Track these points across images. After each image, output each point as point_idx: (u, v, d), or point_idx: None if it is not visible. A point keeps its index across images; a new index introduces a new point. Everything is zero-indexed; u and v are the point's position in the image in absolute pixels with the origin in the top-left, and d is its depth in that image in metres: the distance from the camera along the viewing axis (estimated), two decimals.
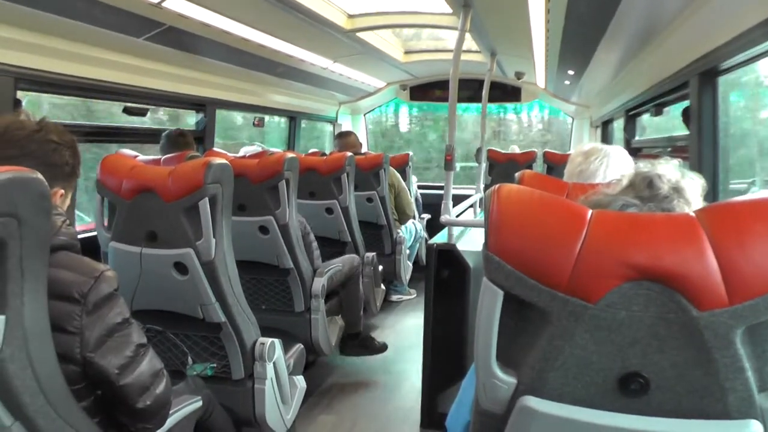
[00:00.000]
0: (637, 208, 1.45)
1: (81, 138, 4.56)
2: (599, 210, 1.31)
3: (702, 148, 3.62)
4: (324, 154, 6.68)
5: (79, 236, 2.12)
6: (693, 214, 1.22)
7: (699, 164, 3.60)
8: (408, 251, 7.51)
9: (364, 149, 8.62)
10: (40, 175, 1.67)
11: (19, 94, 3.72)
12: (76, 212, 4.62)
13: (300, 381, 3.95)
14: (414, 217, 7.89)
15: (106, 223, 3.45)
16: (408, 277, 7.60)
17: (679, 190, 1.47)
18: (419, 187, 9.22)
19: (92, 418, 2.02)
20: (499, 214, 1.29)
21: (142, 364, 2.14)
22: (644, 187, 1.48)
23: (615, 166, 2.74)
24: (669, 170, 1.51)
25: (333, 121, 9.77)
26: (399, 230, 7.29)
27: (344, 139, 7.48)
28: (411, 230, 7.78)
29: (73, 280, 1.93)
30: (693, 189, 1.50)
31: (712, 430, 1.20)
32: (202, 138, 5.81)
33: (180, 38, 4.49)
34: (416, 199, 8.65)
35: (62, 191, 2.23)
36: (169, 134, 4.88)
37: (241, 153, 5.50)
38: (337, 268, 5.00)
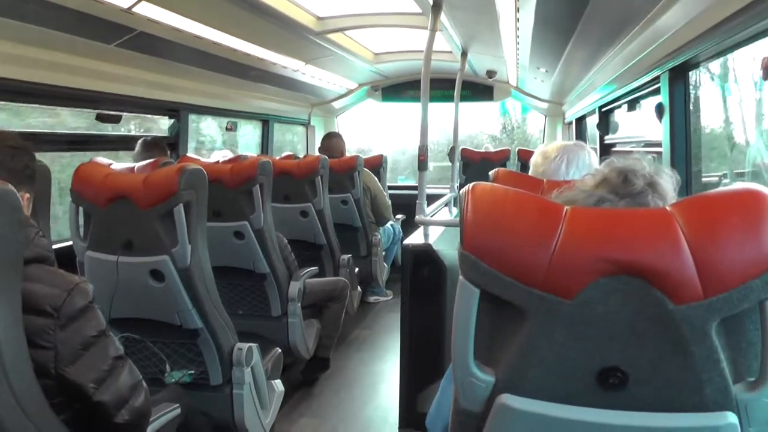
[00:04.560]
0: (612, 203, 1.45)
1: (53, 147, 4.56)
2: (574, 206, 1.32)
3: (674, 143, 3.64)
4: (297, 158, 6.67)
5: (55, 246, 2.10)
6: (668, 209, 1.23)
7: (672, 159, 3.62)
8: (384, 253, 7.52)
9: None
10: (11, 187, 1.66)
11: None
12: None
13: (278, 385, 3.96)
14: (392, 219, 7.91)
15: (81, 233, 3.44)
16: (385, 278, 7.62)
17: (654, 185, 1.48)
18: (390, 188, 9.21)
19: (72, 431, 2.00)
20: (474, 212, 1.29)
21: (120, 377, 2.11)
22: (619, 183, 1.48)
23: (576, 162, 2.76)
24: (643, 165, 1.51)
25: (306, 124, 9.74)
26: (377, 232, 7.30)
27: (326, 141, 7.47)
28: (389, 232, 7.79)
29: (46, 294, 1.90)
30: (667, 184, 1.51)
31: (689, 422, 1.20)
32: (175, 144, 5.78)
33: (151, 43, 4.47)
34: None
35: (28, 195, 2.23)
36: (145, 141, 4.85)
37: (213, 158, 5.48)
38: (313, 272, 5.00)
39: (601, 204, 1.45)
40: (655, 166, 1.53)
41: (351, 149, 8.98)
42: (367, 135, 13.51)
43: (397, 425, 3.99)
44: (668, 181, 1.52)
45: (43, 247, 2.00)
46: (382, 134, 13.53)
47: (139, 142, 4.83)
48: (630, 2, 3.47)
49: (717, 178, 4.03)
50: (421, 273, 3.81)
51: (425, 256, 3.83)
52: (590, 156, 2.85)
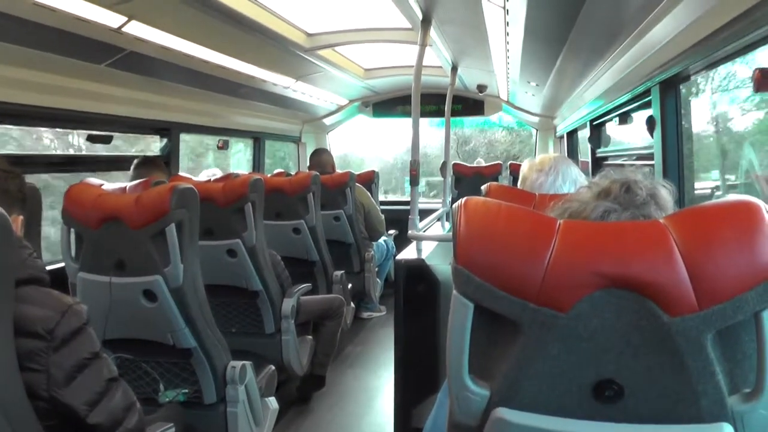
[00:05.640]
0: (617, 213, 1.45)
1: (45, 168, 4.56)
2: (567, 220, 1.32)
3: (666, 156, 3.65)
4: (289, 175, 6.67)
5: (47, 268, 2.09)
6: (662, 221, 1.23)
7: (664, 171, 3.63)
8: (377, 268, 7.52)
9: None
10: (0, 209, 1.66)
11: None
12: None
13: (272, 402, 3.95)
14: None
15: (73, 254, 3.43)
16: (378, 294, 7.63)
17: (655, 196, 1.48)
18: (382, 203, 9.22)
19: None
20: (466, 227, 1.29)
21: (114, 399, 2.10)
22: (622, 193, 1.48)
23: (569, 175, 2.78)
24: (642, 177, 1.52)
25: (297, 141, 9.75)
26: (370, 248, 7.31)
27: (315, 158, 7.49)
28: (382, 248, 7.80)
29: (39, 316, 1.88)
30: (667, 195, 1.51)
31: None
32: (167, 163, 5.77)
33: (141, 63, 4.47)
34: None
35: (21, 218, 2.23)
36: (140, 161, 4.83)
37: (204, 177, 5.48)
38: (306, 288, 5.00)
39: (608, 215, 1.45)
40: (651, 179, 1.54)
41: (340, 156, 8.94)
42: (365, 143, 13.61)
43: None
44: (667, 193, 1.52)
45: (37, 268, 1.99)
46: (381, 141, 13.62)
47: (136, 162, 4.83)
48: (620, 16, 3.49)
49: (710, 190, 4.04)
50: (414, 288, 3.81)
51: (418, 271, 3.83)
52: (576, 169, 2.87)
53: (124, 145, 6.10)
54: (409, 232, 4.26)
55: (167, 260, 3.17)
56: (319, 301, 5.38)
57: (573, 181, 2.78)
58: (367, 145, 15.64)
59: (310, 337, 5.12)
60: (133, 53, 4.23)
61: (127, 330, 3.36)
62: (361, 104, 9.96)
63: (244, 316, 4.68)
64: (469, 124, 14.51)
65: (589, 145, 6.31)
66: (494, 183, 2.56)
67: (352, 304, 6.65)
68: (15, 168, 2.29)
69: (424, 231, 4.86)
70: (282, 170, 7.63)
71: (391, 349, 3.95)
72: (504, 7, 3.93)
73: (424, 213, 5.21)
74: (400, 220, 6.56)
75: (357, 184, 7.24)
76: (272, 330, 4.64)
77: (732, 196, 1.26)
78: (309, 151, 9.31)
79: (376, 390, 5.61)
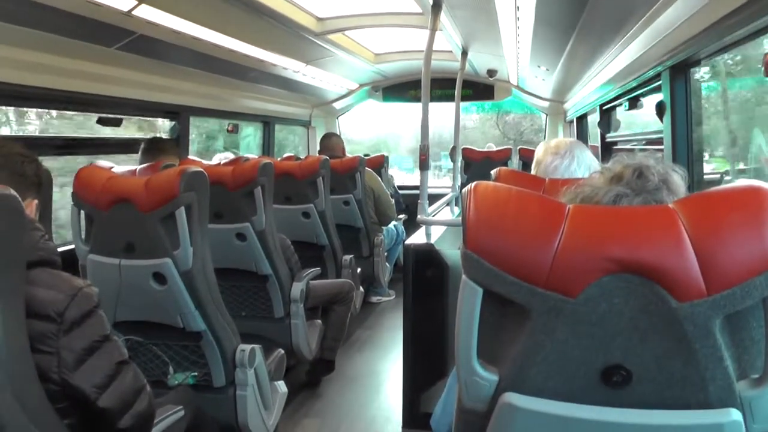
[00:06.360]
0: (629, 199, 1.45)
1: (55, 151, 4.56)
2: (577, 205, 1.32)
3: (676, 141, 3.63)
4: (299, 159, 6.66)
5: (58, 249, 2.09)
6: (671, 206, 1.22)
7: (673, 156, 3.61)
8: (387, 253, 7.51)
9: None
10: (12, 191, 1.66)
11: None
12: None
13: (281, 386, 3.95)
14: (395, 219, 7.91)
15: (83, 236, 3.44)
16: (388, 278, 7.62)
17: (667, 181, 1.48)
18: (399, 188, 9.22)
19: None
20: (476, 211, 1.29)
21: (124, 382, 2.09)
22: (634, 179, 1.48)
23: (584, 159, 2.77)
24: (655, 162, 1.52)
25: (307, 125, 9.74)
26: (379, 233, 7.30)
27: (325, 141, 7.48)
28: (391, 232, 7.79)
29: (50, 299, 1.88)
30: (679, 180, 1.51)
31: (693, 419, 1.20)
32: (177, 144, 5.75)
33: (152, 46, 4.45)
34: (396, 200, 8.59)
35: (36, 201, 2.23)
36: (148, 142, 4.81)
37: (215, 160, 5.47)
38: (316, 273, 4.99)
39: (619, 200, 1.46)
40: (663, 164, 1.53)
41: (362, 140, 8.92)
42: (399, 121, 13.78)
43: (401, 425, 3.99)
44: (680, 178, 1.52)
45: (49, 251, 1.99)
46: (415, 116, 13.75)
47: (144, 142, 4.82)
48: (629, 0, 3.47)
49: (719, 176, 4.03)
50: (423, 273, 3.81)
51: (427, 255, 3.83)
52: (590, 154, 2.86)
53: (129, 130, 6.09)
54: (418, 216, 4.24)
55: (177, 243, 3.16)
56: (329, 285, 5.37)
57: (587, 165, 2.78)
58: (403, 122, 15.71)
59: (319, 321, 5.12)
60: (143, 36, 4.22)
61: (137, 312, 3.36)
62: (371, 88, 9.93)
63: (253, 300, 4.67)
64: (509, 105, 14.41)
65: (598, 130, 6.29)
66: (504, 168, 2.56)
67: (361, 289, 6.65)
68: (29, 151, 2.29)
69: (434, 216, 4.85)
70: (292, 154, 7.62)
71: (400, 333, 3.95)
72: None
73: (434, 198, 5.20)
74: (410, 205, 6.53)
75: (367, 168, 7.23)
76: (281, 314, 4.63)
77: (741, 181, 1.26)
78: (318, 135, 9.32)
79: (385, 374, 5.61)
